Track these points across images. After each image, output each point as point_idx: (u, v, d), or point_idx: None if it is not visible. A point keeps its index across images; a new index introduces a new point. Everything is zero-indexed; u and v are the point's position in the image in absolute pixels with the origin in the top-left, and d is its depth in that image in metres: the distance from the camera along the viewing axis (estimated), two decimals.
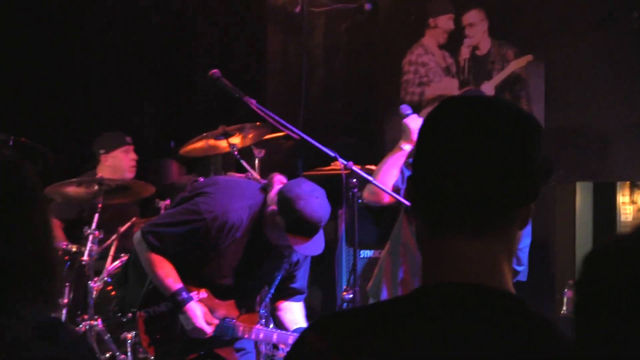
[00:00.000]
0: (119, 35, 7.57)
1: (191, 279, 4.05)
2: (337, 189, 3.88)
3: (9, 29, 6.99)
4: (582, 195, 6.11)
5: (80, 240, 5.51)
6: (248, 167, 5.51)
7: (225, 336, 4.11)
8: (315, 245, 3.93)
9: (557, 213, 6.21)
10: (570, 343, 1.31)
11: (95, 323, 5.20)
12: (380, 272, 4.40)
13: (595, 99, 6.43)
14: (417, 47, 7.41)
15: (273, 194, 3.96)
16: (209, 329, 4.00)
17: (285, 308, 4.30)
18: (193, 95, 7.90)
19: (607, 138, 6.47)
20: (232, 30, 7.95)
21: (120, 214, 6.03)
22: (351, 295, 3.64)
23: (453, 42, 7.23)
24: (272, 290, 4.26)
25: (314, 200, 3.85)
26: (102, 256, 5.59)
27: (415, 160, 1.51)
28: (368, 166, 5.53)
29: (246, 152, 5.86)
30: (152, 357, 4.15)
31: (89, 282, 5.29)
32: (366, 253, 5.60)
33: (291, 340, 4.00)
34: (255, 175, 5.34)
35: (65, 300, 5.37)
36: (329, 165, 5.94)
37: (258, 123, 5.58)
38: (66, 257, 5.51)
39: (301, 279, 4.30)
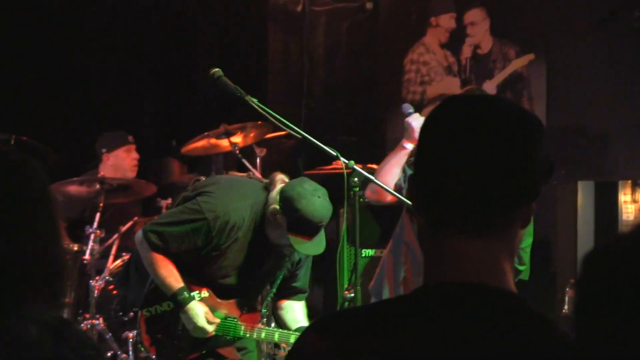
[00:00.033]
0: (120, 34, 7.57)
1: (193, 278, 4.04)
2: (338, 188, 3.87)
3: (9, 29, 6.99)
4: (584, 195, 6.12)
5: (82, 240, 5.52)
6: (249, 166, 5.52)
7: (226, 335, 4.11)
8: (317, 245, 3.92)
9: (559, 212, 6.22)
10: (571, 343, 1.31)
11: (96, 322, 5.21)
12: (382, 272, 4.40)
13: (596, 98, 6.43)
14: (419, 46, 7.41)
15: (275, 193, 3.96)
16: (210, 328, 4.00)
17: (287, 307, 4.30)
18: (194, 94, 7.90)
19: (608, 137, 6.47)
20: (233, 29, 7.96)
21: (122, 213, 6.03)
22: (352, 295, 3.62)
23: (454, 41, 7.23)
24: (274, 290, 4.26)
25: (316, 200, 3.84)
26: (104, 255, 5.60)
27: (417, 159, 1.51)
28: (370, 165, 5.54)
29: (247, 151, 5.87)
30: (154, 357, 4.15)
31: (91, 281, 5.29)
32: (368, 252, 5.60)
33: (293, 339, 4.00)
34: (257, 174, 5.35)
35: (67, 300, 5.38)
36: (330, 164, 5.94)
37: (259, 122, 5.58)
38: (67, 256, 5.51)
39: (303, 278, 4.30)
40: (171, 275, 3.97)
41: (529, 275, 4.05)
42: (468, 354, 1.38)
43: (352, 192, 3.59)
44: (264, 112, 3.69)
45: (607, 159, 6.45)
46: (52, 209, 1.74)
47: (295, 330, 4.14)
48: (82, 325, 5.19)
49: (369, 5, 7.77)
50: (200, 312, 3.97)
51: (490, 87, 6.93)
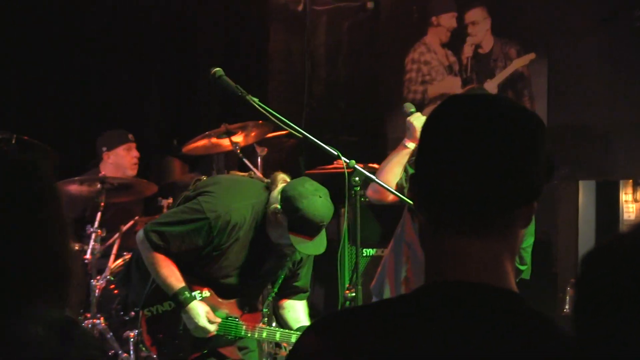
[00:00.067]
0: (121, 33, 7.57)
1: (194, 278, 4.04)
2: (339, 188, 3.87)
3: (9, 29, 6.99)
4: (585, 194, 6.12)
5: (83, 239, 5.52)
6: (250, 166, 5.52)
7: (228, 335, 4.11)
8: (318, 244, 3.92)
9: (560, 211, 6.22)
10: (572, 342, 1.31)
11: (97, 321, 5.21)
12: (384, 271, 4.40)
13: (597, 97, 6.43)
14: (420, 46, 7.41)
15: (276, 192, 3.96)
16: (212, 328, 4.00)
17: (289, 307, 4.30)
18: (195, 94, 7.90)
19: (609, 136, 6.46)
20: (234, 28, 7.95)
21: (123, 212, 6.03)
22: (353, 294, 3.62)
23: (456, 41, 7.23)
24: (275, 289, 4.26)
25: (317, 200, 3.84)
26: (105, 254, 5.60)
27: (418, 159, 1.52)
28: (371, 165, 5.54)
29: (248, 151, 5.87)
30: (155, 356, 4.15)
31: (92, 280, 5.29)
32: (369, 251, 5.60)
33: (294, 339, 4.00)
34: (258, 173, 5.34)
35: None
36: (332, 163, 5.94)
37: (260, 121, 5.58)
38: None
39: (304, 278, 4.30)
40: (172, 275, 3.97)
41: (530, 274, 4.05)
42: (468, 353, 1.38)
43: (353, 192, 3.59)
44: (264, 112, 3.69)
45: (608, 158, 6.45)
46: (60, 209, 1.74)
47: (297, 329, 4.14)
48: (83, 324, 5.19)
49: (370, 5, 7.77)
50: (202, 311, 3.96)
51: (491, 86, 6.93)
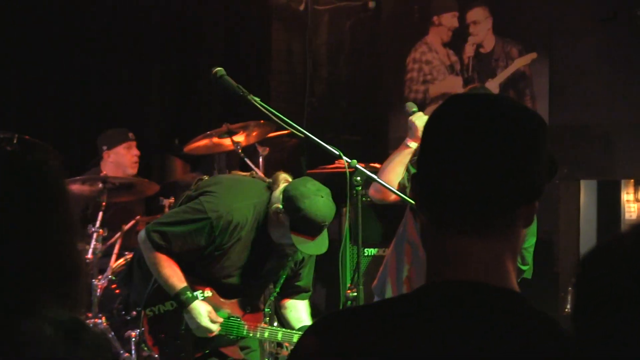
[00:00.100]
0: (122, 33, 7.57)
1: (196, 278, 4.04)
2: (341, 187, 3.87)
3: (9, 29, 6.99)
4: (586, 193, 6.12)
5: (84, 238, 5.51)
6: (252, 165, 5.51)
7: (230, 335, 4.11)
8: (319, 244, 3.92)
9: (561, 211, 6.22)
10: (572, 342, 1.31)
11: (99, 321, 5.21)
12: (385, 271, 4.40)
13: (599, 97, 6.43)
14: (421, 45, 7.41)
15: (277, 192, 3.96)
16: (214, 328, 4.00)
17: (290, 306, 4.30)
18: (196, 93, 7.90)
19: (611, 136, 6.46)
20: (235, 28, 7.95)
21: (124, 211, 6.04)
22: (355, 294, 3.62)
23: (457, 40, 7.22)
24: (277, 289, 4.26)
25: (319, 200, 3.84)
26: (106, 254, 5.60)
27: (419, 158, 1.52)
28: (373, 164, 5.54)
29: (250, 150, 5.87)
30: (157, 356, 4.15)
31: (93, 280, 5.30)
32: (371, 251, 5.60)
33: (296, 338, 4.00)
34: (259, 173, 5.34)
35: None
36: (333, 163, 5.94)
37: (262, 121, 5.58)
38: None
39: (306, 278, 4.29)
40: (174, 275, 3.97)
41: (532, 274, 4.05)
42: (468, 353, 1.38)
43: (354, 191, 3.59)
44: (266, 111, 3.69)
45: (609, 158, 6.45)
46: (69, 209, 1.74)
47: (299, 329, 4.14)
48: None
49: (371, 4, 7.77)
50: (204, 311, 3.96)
51: (492, 85, 6.92)
